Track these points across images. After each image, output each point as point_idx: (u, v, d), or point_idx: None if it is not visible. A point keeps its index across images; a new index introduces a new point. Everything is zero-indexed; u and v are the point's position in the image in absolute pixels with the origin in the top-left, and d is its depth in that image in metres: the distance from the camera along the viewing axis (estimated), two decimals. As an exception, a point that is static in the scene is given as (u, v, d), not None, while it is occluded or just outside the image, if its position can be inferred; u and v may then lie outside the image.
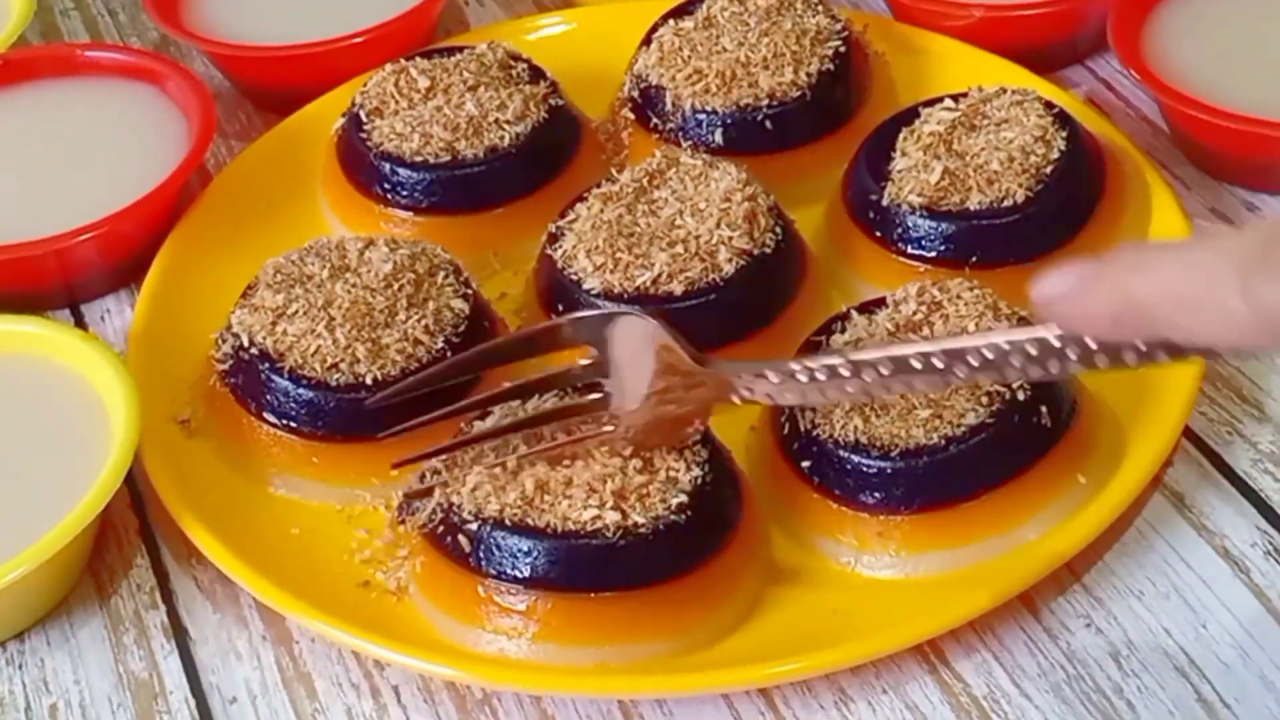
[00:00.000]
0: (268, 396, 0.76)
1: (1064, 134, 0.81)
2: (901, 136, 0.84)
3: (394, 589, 0.70)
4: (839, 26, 0.92)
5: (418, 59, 0.92)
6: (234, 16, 1.03)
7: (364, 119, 0.90)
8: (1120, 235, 0.81)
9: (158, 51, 1.05)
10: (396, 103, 0.90)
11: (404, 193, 0.88)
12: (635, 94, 0.92)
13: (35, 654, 0.71)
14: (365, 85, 0.92)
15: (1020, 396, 0.68)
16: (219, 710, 0.68)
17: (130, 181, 0.89)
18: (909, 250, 0.80)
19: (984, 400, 0.68)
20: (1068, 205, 0.80)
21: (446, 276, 0.80)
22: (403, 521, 0.71)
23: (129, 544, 0.76)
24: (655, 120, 0.91)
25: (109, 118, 0.95)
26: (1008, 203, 0.79)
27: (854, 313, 0.74)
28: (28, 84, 0.97)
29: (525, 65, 0.92)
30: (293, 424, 0.75)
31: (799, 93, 0.89)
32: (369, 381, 0.75)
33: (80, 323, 0.89)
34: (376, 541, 0.73)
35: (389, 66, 0.92)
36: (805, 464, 0.70)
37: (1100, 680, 0.65)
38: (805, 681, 0.66)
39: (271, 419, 0.76)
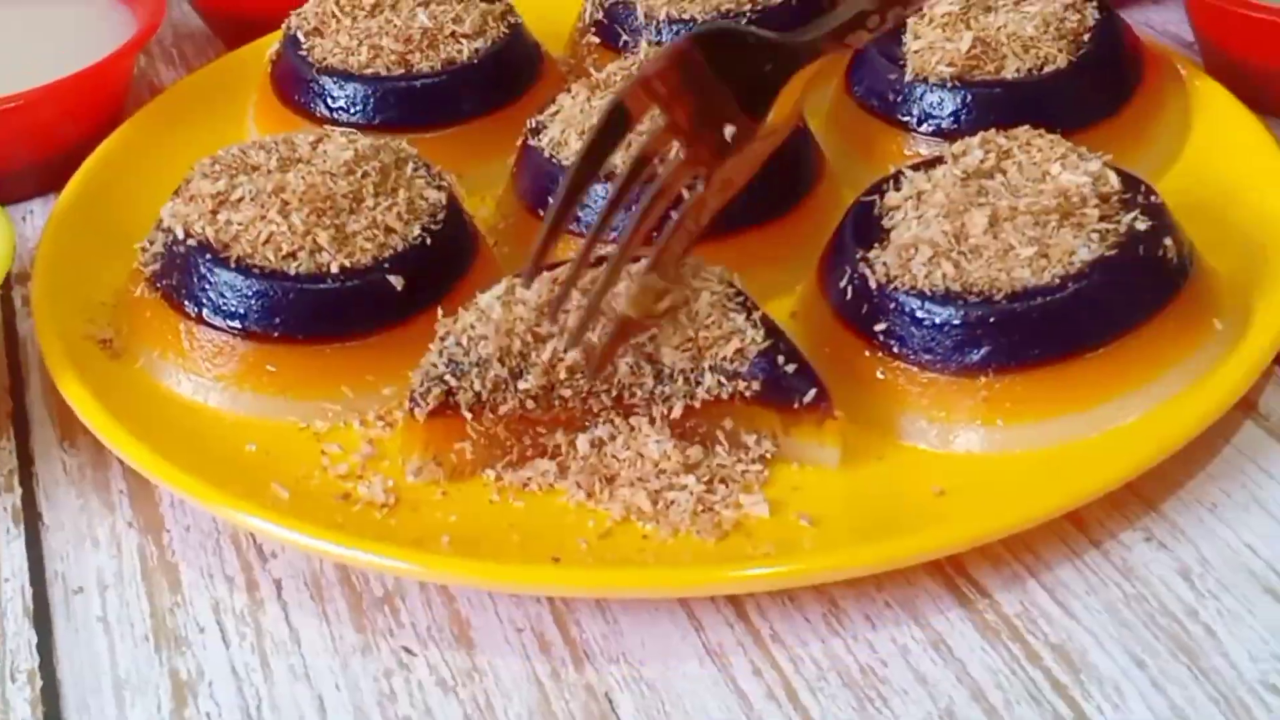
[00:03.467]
0: (209, 294, 0.54)
1: (1093, 3, 0.65)
2: (910, 24, 0.66)
3: (382, 501, 0.49)
4: (814, -64, 0.75)
5: (360, -21, 0.73)
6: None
7: (301, 39, 0.70)
8: (1167, 106, 0.64)
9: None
10: (338, 21, 0.71)
11: (354, 109, 0.68)
12: (600, 16, 0.74)
13: None
14: (301, 8, 0.72)
15: (1140, 226, 0.50)
16: (58, 601, 0.51)
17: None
18: (942, 127, 0.62)
19: (1094, 236, 0.50)
20: (1111, 74, 0.63)
21: (416, 169, 0.60)
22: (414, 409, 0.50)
23: (-3, 426, 0.58)
24: (625, 38, 0.72)
25: (63, 28, 0.79)
26: (1050, 69, 0.62)
27: (907, 171, 0.56)
28: None
29: (477, -12, 0.73)
30: (242, 324, 0.54)
31: (783, -3, 0.71)
32: (334, 270, 0.55)
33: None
34: (353, 456, 0.52)
35: (327, -13, 0.72)
36: (879, 328, 0.51)
37: (1168, 601, 0.46)
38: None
39: (217, 321, 0.54)
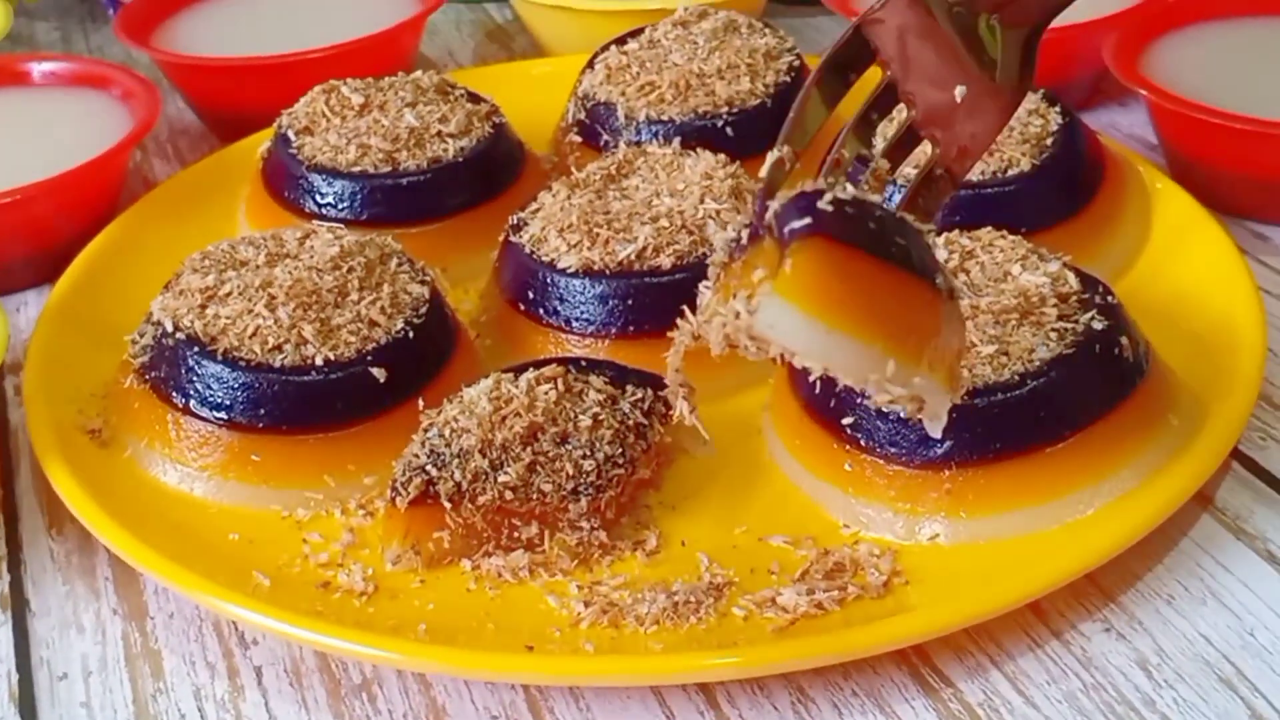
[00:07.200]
0: (196, 386, 0.56)
1: (1056, 109, 0.67)
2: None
3: (361, 589, 0.50)
4: (789, 44, 0.77)
5: (349, 80, 0.75)
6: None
7: (292, 138, 0.72)
8: (1127, 209, 0.66)
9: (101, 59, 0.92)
10: (328, 120, 0.73)
11: (342, 205, 0.70)
12: (582, 116, 0.76)
13: None
14: (293, 107, 0.74)
15: (1097, 326, 0.52)
16: (44, 687, 0.51)
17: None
18: (910, 226, 0.64)
19: (1053, 335, 0.52)
20: (1073, 177, 0.65)
21: (400, 264, 0.61)
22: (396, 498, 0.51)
23: (-14, 514, 0.59)
24: (606, 138, 0.74)
25: (61, 122, 0.81)
26: (1013, 171, 0.64)
27: (874, 270, 0.57)
28: None
29: (463, 91, 0.76)
30: (228, 415, 0.55)
31: (759, 101, 0.73)
32: (319, 362, 0.56)
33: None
34: (334, 545, 0.53)
35: (317, 87, 0.75)
36: (847, 421, 0.52)
37: (1126, 691, 0.47)
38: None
39: (203, 412, 0.55)
